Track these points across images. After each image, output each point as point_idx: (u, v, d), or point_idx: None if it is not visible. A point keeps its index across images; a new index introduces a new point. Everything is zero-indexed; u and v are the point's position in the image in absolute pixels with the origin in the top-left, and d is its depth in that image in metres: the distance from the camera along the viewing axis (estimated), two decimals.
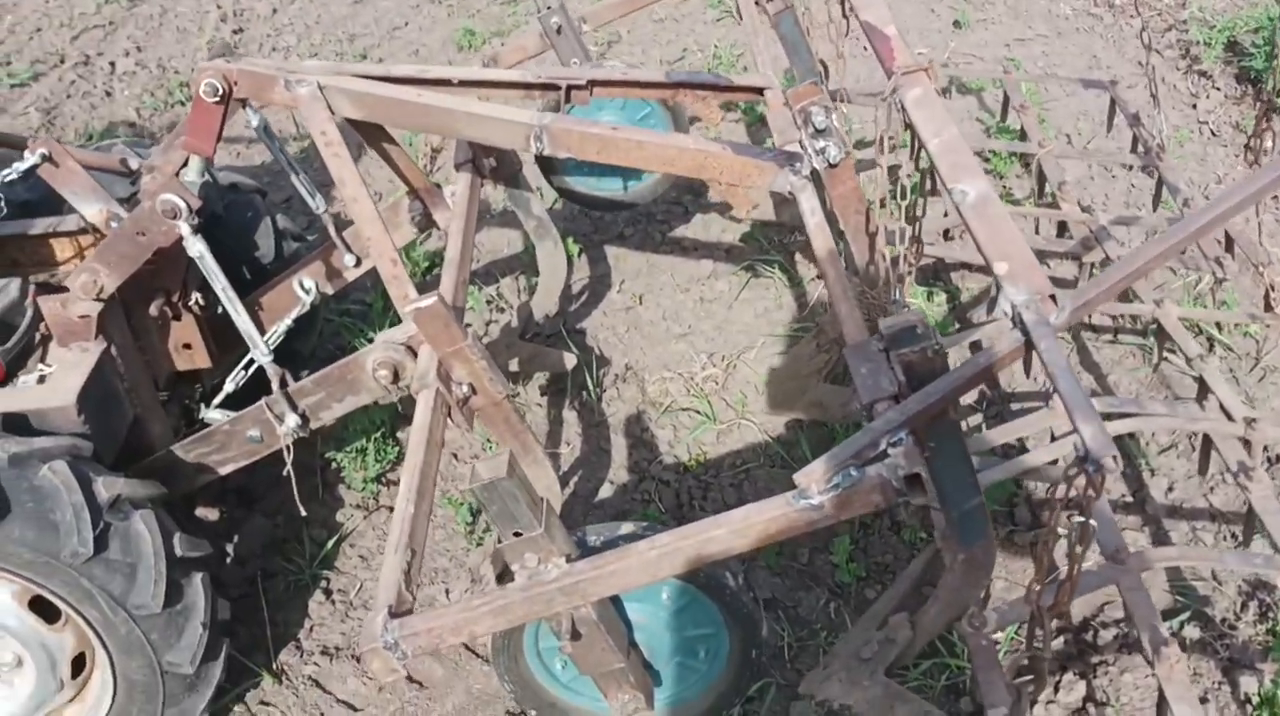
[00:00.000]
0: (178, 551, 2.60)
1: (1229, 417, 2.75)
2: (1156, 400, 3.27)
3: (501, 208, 4.87)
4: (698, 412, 3.86)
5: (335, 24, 7.18)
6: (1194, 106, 5.87)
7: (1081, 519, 1.76)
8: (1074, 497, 1.72)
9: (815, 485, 1.93)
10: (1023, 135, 4.34)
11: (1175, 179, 3.69)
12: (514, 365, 3.80)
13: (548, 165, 3.95)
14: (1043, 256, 4.00)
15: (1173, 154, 5.19)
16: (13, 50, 7.06)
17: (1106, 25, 6.64)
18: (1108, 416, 2.87)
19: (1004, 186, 4.79)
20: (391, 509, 3.54)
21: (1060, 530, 1.77)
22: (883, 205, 2.77)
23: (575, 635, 2.14)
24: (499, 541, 2.03)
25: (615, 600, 2.29)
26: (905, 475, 1.89)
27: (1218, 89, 5.96)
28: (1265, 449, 3.36)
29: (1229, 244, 3.46)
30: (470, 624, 2.05)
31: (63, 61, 6.92)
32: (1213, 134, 5.60)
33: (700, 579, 2.29)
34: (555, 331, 4.18)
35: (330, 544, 3.43)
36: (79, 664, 2.71)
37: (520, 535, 2.01)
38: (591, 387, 3.91)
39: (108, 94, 6.60)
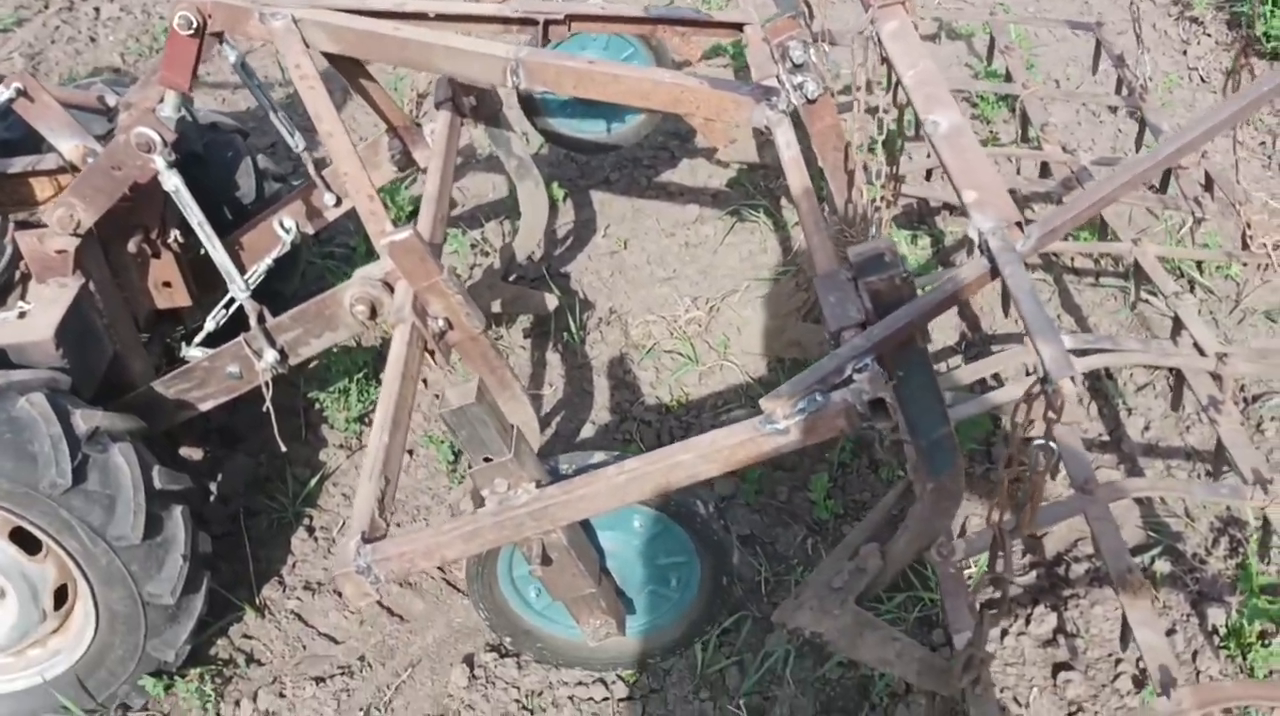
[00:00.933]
0: (157, 484, 2.62)
1: (1201, 353, 2.76)
2: (1132, 338, 3.28)
3: (486, 152, 4.85)
4: (680, 354, 3.87)
5: None
6: (1184, 53, 5.84)
7: (1042, 441, 1.79)
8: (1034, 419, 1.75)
9: (781, 410, 1.95)
10: (1008, 78, 4.32)
11: (1158, 120, 3.68)
12: (497, 307, 3.79)
13: (531, 107, 3.93)
14: (1025, 198, 4.01)
15: (1162, 99, 5.18)
16: None
17: None
18: (1083, 352, 2.89)
19: (990, 130, 4.78)
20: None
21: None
22: (861, 145, 2.76)
23: (546, 560, 2.17)
24: (469, 467, 2.05)
25: (587, 527, 2.31)
26: (870, 400, 1.91)
27: (1209, 35, 5.93)
28: (1241, 388, 3.41)
29: (1209, 184, 3.47)
30: (441, 548, 2.08)
31: (47, 7, 6.84)
32: (1202, 80, 5.58)
33: (671, 507, 2.32)
34: (539, 275, 4.19)
35: (313, 482, 3.45)
36: (61, 595, 2.74)
37: (490, 460, 2.03)
38: (574, 330, 3.92)
39: (92, 39, 6.54)
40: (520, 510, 2.03)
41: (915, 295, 2.00)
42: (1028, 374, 2.99)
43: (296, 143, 3.26)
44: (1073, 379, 1.66)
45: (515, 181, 3.67)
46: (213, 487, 3.46)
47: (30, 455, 2.44)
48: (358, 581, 2.07)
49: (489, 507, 2.06)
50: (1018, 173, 3.91)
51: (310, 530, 3.36)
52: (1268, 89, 2.11)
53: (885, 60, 2.50)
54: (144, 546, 2.58)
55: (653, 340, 3.95)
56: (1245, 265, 3.45)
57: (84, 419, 2.53)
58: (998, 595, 2.04)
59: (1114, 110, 4.55)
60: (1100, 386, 3.51)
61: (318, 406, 3.69)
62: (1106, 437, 3.38)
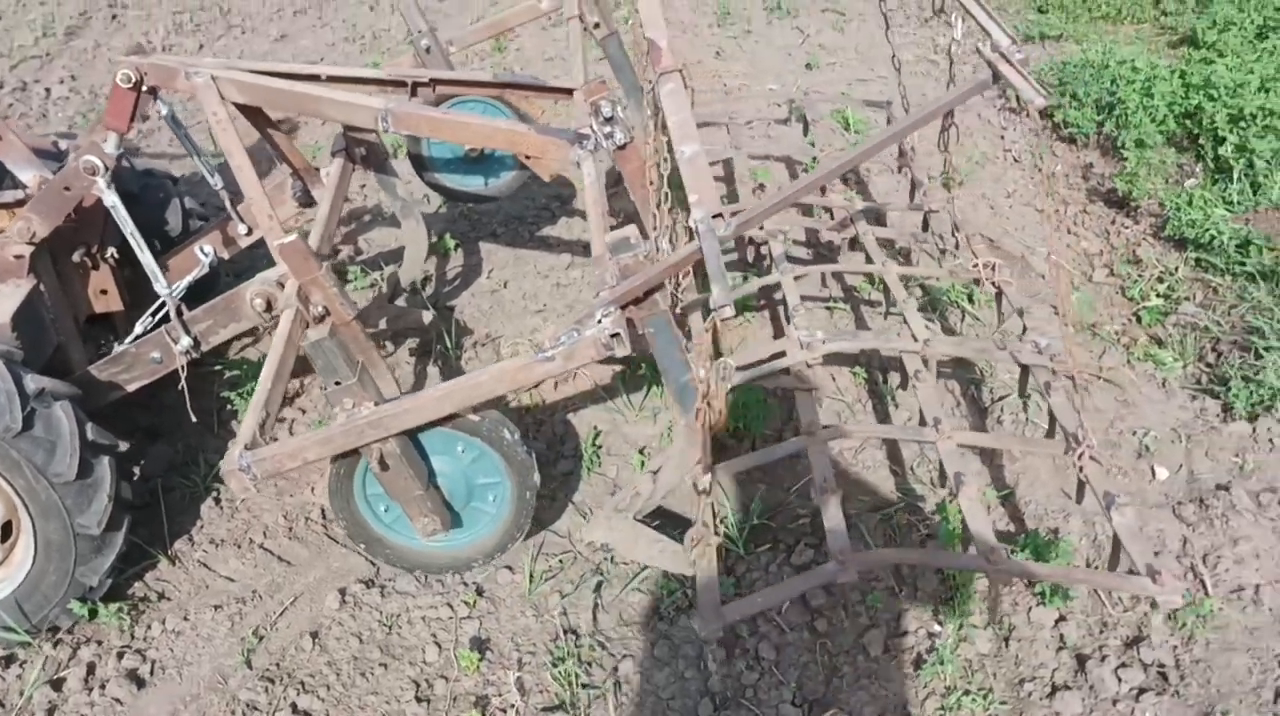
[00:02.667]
0: (89, 436, 3.28)
1: (914, 339, 3.56)
2: (870, 332, 4.12)
3: (390, 214, 5.65)
4: None
5: (257, 60, 7.91)
6: (1001, 137, 6.81)
7: (728, 362, 2.56)
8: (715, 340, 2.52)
9: (549, 342, 2.70)
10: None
11: (919, 175, 4.54)
12: (383, 323, 4.53)
13: (419, 163, 4.70)
14: (812, 231, 4.86)
15: (973, 173, 6.13)
16: None
17: (941, 69, 7.60)
18: (836, 339, 3.69)
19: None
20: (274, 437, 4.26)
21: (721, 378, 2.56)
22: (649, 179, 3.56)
23: (384, 466, 2.88)
24: (322, 389, 2.77)
25: (418, 444, 3.02)
26: (610, 335, 2.67)
27: (1025, 123, 6.92)
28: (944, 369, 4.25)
29: (954, 227, 4.32)
30: (302, 451, 2.79)
31: (1, 86, 7.60)
32: (1015, 160, 6.53)
33: (485, 432, 3.04)
34: (428, 305, 4.93)
35: (221, 463, 4.12)
36: (5, 532, 3.38)
37: (339, 384, 2.75)
38: (450, 346, 4.65)
39: (43, 115, 7.29)
40: (361, 422, 2.76)
41: (651, 267, 2.77)
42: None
43: (215, 182, 3.98)
44: (729, 308, 2.44)
45: (400, 219, 4.43)
46: (137, 470, 4.11)
47: None
48: (239, 477, 2.77)
49: (339, 421, 2.78)
50: (811, 214, 4.77)
51: (217, 501, 4.02)
52: (925, 114, 2.94)
53: (658, 111, 3.30)
54: (77, 484, 3.24)
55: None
56: (954, 274, 4.28)
57: (33, 380, 3.21)
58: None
59: (899, 169, 5.42)
60: (873, 377, 4.33)
61: (229, 406, 4.37)
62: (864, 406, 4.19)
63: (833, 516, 2.99)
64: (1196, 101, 6.12)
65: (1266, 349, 4.59)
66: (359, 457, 3.00)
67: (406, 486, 2.98)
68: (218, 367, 4.54)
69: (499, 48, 7.91)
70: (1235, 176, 5.66)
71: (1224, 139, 5.81)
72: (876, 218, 4.96)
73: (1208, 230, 5.33)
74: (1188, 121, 6.18)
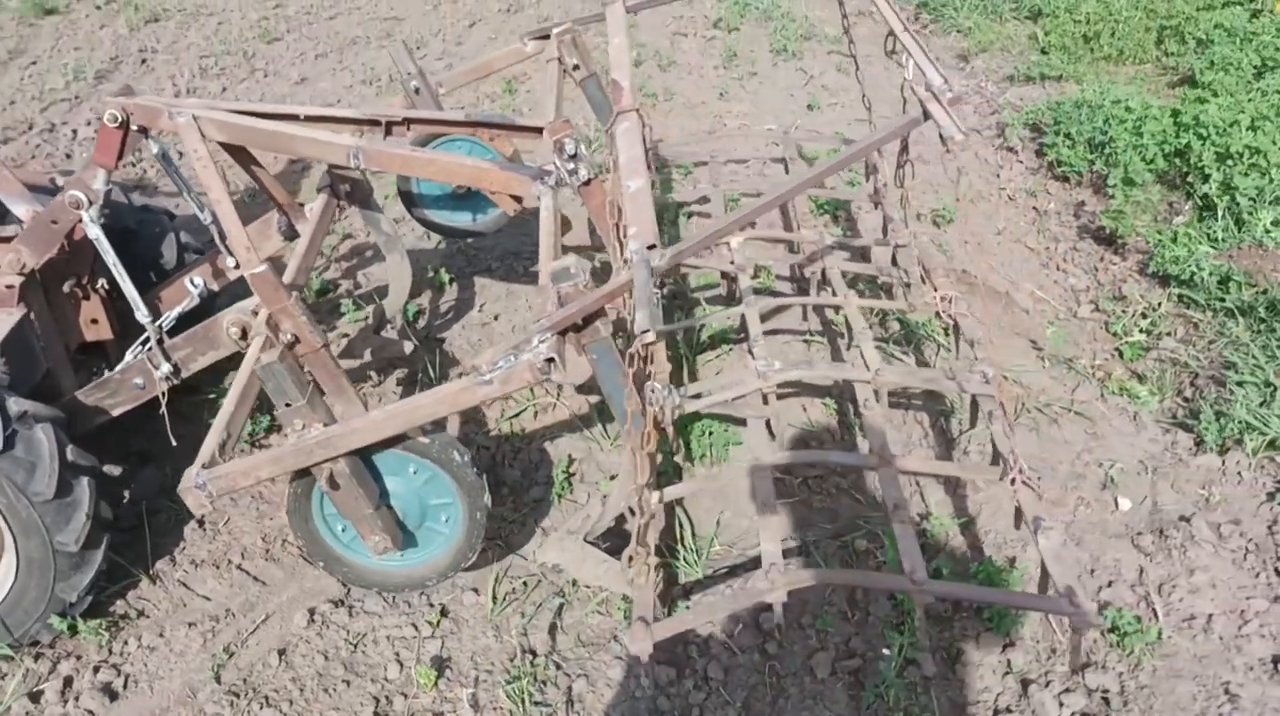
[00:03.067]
0: (69, 457, 3.44)
1: (867, 368, 3.66)
2: (825, 362, 4.23)
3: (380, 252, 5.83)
4: (519, 400, 4.74)
5: (278, 103, 8.17)
6: (998, 175, 6.91)
7: (657, 384, 2.67)
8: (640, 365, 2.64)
9: (486, 367, 2.83)
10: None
11: (891, 211, 4.66)
12: (368, 355, 4.69)
13: (409, 200, 4.87)
14: (796, 266, 4.98)
15: (967, 210, 6.23)
16: None
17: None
18: (793, 369, 3.80)
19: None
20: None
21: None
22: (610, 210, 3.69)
23: (334, 485, 3.02)
24: (273, 414, 2.91)
25: (370, 465, 3.15)
26: (545, 359, 2.79)
27: (1020, 162, 7.01)
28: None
29: (922, 261, 4.42)
30: (255, 469, 2.93)
31: (31, 128, 7.91)
32: (1009, 199, 6.63)
33: (435, 453, 3.16)
34: (411, 336, 5.08)
35: None
36: None
37: (290, 406, 2.89)
38: (435, 377, 4.80)
39: (68, 156, 7.56)
40: (311, 441, 2.90)
41: (587, 295, 2.90)
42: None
43: (205, 216, 4.17)
44: (650, 333, 2.55)
45: (385, 253, 4.59)
46: (126, 494, 4.27)
47: None
48: (196, 494, 2.92)
49: (290, 441, 2.92)
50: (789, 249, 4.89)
51: (200, 523, 4.17)
52: (858, 150, 3.06)
53: (612, 144, 3.45)
54: (56, 503, 3.39)
55: None
56: (912, 307, 4.37)
57: (15, 403, 3.37)
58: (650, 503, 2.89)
59: (876, 204, 5.52)
60: (843, 406, 4.43)
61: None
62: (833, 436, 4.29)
63: (769, 539, 3.09)
64: (1186, 140, 6.19)
65: (1239, 383, 4.64)
66: (314, 478, 3.14)
67: (357, 506, 3.11)
68: (211, 396, 4.70)
69: (509, 90, 8.13)
70: (1220, 214, 5.72)
71: (1209, 176, 5.87)
72: (858, 253, 5.08)
73: (1189, 266, 5.39)
74: (1177, 160, 6.24)
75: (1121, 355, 5.12)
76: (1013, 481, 3.18)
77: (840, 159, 2.97)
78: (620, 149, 3.35)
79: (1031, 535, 3.06)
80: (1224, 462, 4.33)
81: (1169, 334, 5.22)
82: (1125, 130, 6.40)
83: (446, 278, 5.67)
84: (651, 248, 2.83)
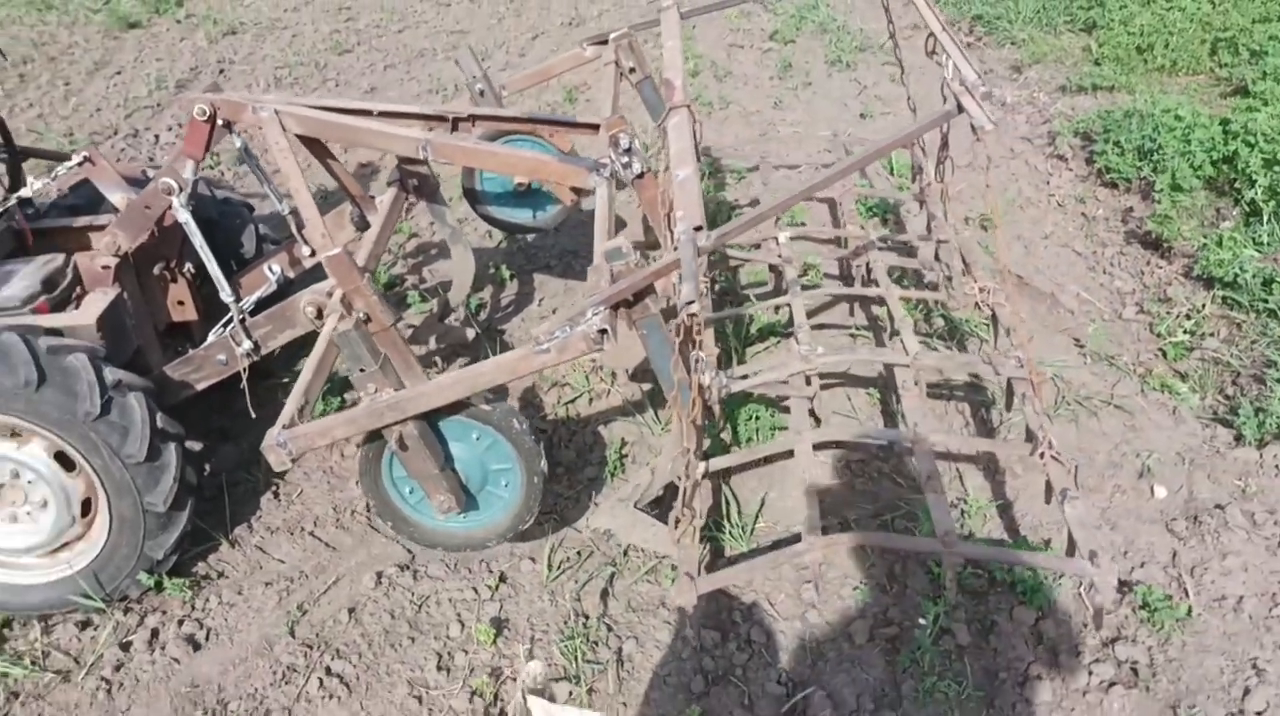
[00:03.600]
0: (159, 424, 3.72)
1: (906, 353, 3.83)
2: (867, 347, 4.41)
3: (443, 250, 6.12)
4: (575, 387, 4.97)
5: None
6: (1047, 182, 7.04)
7: (702, 354, 2.87)
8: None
9: (544, 337, 3.05)
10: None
11: (934, 209, 4.82)
12: (433, 341, 4.94)
13: (473, 197, 5.12)
14: (842, 261, 5.16)
15: (1013, 214, 6.37)
16: (75, 124, 8.47)
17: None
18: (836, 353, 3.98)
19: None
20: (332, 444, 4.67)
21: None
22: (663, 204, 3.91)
23: (404, 446, 3.25)
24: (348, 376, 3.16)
25: (436, 430, 3.38)
26: (599, 331, 3.00)
27: (1070, 170, 7.13)
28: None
29: (963, 255, 4.59)
30: (331, 430, 3.18)
31: (116, 133, 8.30)
32: (1058, 205, 6.75)
33: (496, 420, 3.39)
34: (474, 325, 5.33)
35: None
36: (85, 509, 3.81)
37: (364, 371, 3.14)
38: None
39: (150, 159, 7.93)
40: (382, 404, 3.14)
41: (638, 272, 3.11)
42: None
43: (284, 207, 4.45)
44: (692, 303, 2.76)
45: (450, 245, 4.84)
46: (208, 466, 4.55)
47: (74, 392, 3.55)
48: (277, 452, 3.17)
49: (363, 404, 3.17)
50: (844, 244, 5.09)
51: (275, 494, 4.44)
52: (894, 141, 3.25)
53: (664, 138, 3.66)
54: (147, 466, 3.67)
55: (559, 375, 5.05)
56: (952, 298, 4.52)
57: (110, 373, 3.65)
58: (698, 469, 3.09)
59: (920, 204, 5.68)
60: (885, 389, 4.61)
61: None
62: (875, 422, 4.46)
63: (811, 505, 3.27)
64: (1234, 147, 6.28)
65: (1278, 380, 4.73)
66: (384, 442, 3.38)
67: (424, 466, 3.34)
68: (285, 381, 4.98)
69: (570, 99, 8.39)
70: (1265, 218, 5.81)
71: (1256, 182, 5.96)
72: (903, 250, 5.25)
73: (1234, 269, 5.49)
74: (1225, 166, 6.34)
75: (1165, 355, 5.22)
76: (1042, 455, 3.34)
77: (880, 147, 3.16)
78: (671, 141, 3.56)
79: (1059, 504, 3.21)
80: (1261, 456, 4.43)
81: (1212, 334, 5.32)
82: (1174, 138, 6.50)
83: (507, 273, 5.93)
84: (698, 229, 3.03)
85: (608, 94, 4.56)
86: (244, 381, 4.02)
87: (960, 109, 3.15)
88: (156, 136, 8.28)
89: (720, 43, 9.43)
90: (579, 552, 4.01)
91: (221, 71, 9.63)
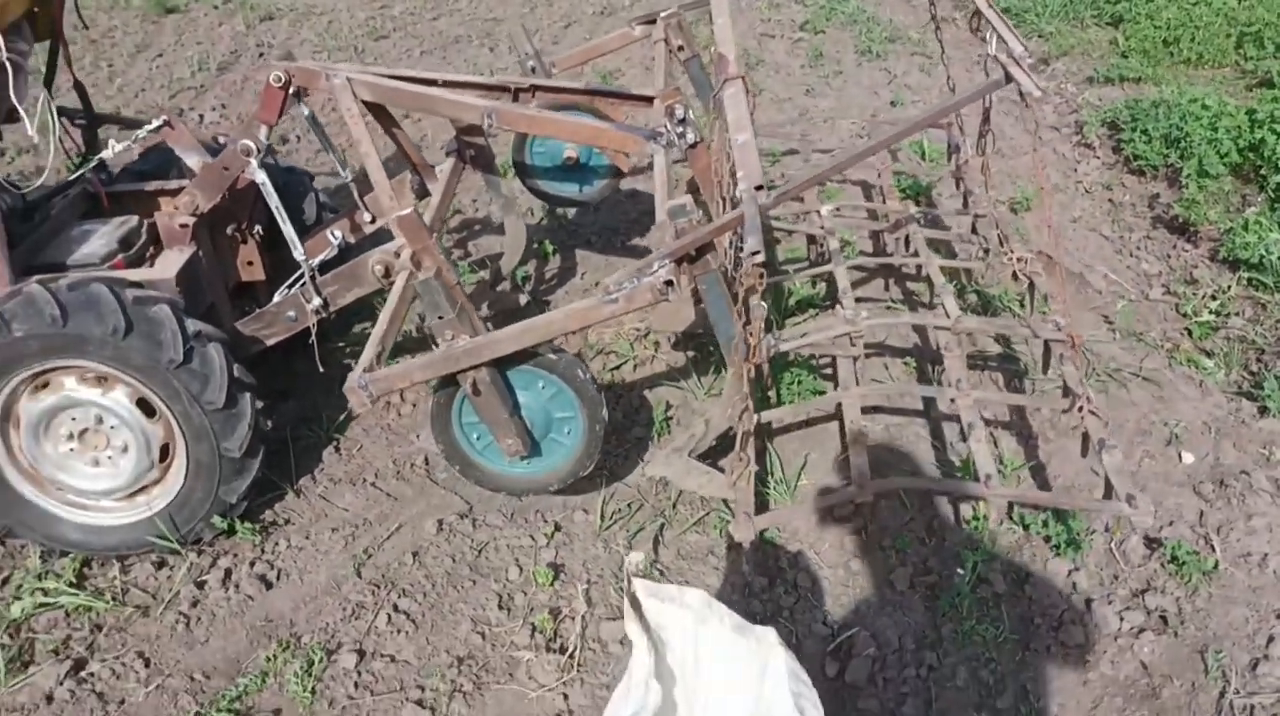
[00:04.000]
0: (235, 373, 3.91)
1: (947, 316, 4.01)
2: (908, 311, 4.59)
3: (497, 223, 6.30)
4: (621, 353, 5.15)
5: None
6: (1075, 169, 7.20)
7: (763, 303, 3.06)
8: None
9: (613, 287, 3.23)
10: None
11: (972, 184, 5.00)
12: (485, 307, 5.13)
13: (522, 170, 5.31)
14: (875, 234, 5.34)
15: (1042, 199, 6.52)
16: (121, 103, 8.69)
17: (1022, 109, 8.01)
18: (880, 317, 4.16)
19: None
20: (388, 402, 4.87)
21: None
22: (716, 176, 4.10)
23: (476, 391, 3.45)
24: (426, 324, 3.36)
25: (505, 379, 3.57)
26: (664, 281, 3.19)
27: (1097, 158, 7.29)
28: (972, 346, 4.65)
29: (999, 227, 4.76)
30: (409, 373, 3.37)
31: (161, 113, 8.49)
32: (1086, 191, 6.90)
33: (562, 369, 3.58)
34: (524, 291, 5.52)
35: (340, 418, 4.76)
36: (164, 454, 4.01)
37: (442, 318, 3.33)
38: None
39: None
40: (458, 350, 3.33)
41: (702, 228, 3.30)
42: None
43: (346, 174, 4.64)
44: (756, 253, 2.93)
45: (502, 215, 5.03)
46: (270, 422, 4.74)
47: (159, 341, 3.75)
48: (358, 393, 3.37)
49: (440, 349, 3.36)
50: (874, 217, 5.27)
51: (337, 448, 4.64)
52: (943, 108, 3.42)
53: (720, 108, 3.84)
54: (224, 413, 3.86)
55: (604, 343, 5.24)
56: (990, 269, 4.70)
57: (192, 323, 3.85)
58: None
59: (958, 182, 5.84)
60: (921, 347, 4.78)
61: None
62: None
63: (857, 453, 3.45)
64: (1261, 135, 6.44)
65: None
66: (456, 389, 3.57)
67: (495, 411, 3.53)
68: (341, 344, 5.18)
69: (605, 82, 8.57)
70: None
71: None
72: (940, 225, 5.42)
73: (1259, 251, 5.65)
74: (1251, 154, 6.49)
75: (1190, 334, 5.38)
76: (1080, 409, 3.51)
77: (928, 114, 3.35)
78: (728, 109, 3.74)
79: (1096, 454, 3.38)
80: None
81: (1237, 314, 5.47)
82: (1201, 126, 6.66)
83: (550, 248, 6.11)
84: (759, 188, 3.21)
85: (658, 67, 4.75)
86: (313, 337, 4.21)
87: (1008, 79, 3.33)
88: (201, 116, 8.48)
89: (751, 32, 9.60)
90: (630, 505, 4.19)
91: (261, 55, 9.82)
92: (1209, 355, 5.20)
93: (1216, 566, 3.83)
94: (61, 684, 3.61)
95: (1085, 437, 3.57)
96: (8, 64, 3.62)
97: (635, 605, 2.52)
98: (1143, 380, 4.90)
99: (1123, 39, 9.01)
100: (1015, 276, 4.35)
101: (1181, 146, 6.68)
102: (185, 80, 9.15)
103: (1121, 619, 3.64)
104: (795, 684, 2.38)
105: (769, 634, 2.52)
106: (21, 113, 3.78)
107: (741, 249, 3.29)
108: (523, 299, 5.19)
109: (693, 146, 4.13)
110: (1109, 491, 3.32)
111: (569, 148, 5.05)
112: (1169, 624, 3.65)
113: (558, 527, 4.11)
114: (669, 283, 3.19)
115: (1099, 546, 3.92)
